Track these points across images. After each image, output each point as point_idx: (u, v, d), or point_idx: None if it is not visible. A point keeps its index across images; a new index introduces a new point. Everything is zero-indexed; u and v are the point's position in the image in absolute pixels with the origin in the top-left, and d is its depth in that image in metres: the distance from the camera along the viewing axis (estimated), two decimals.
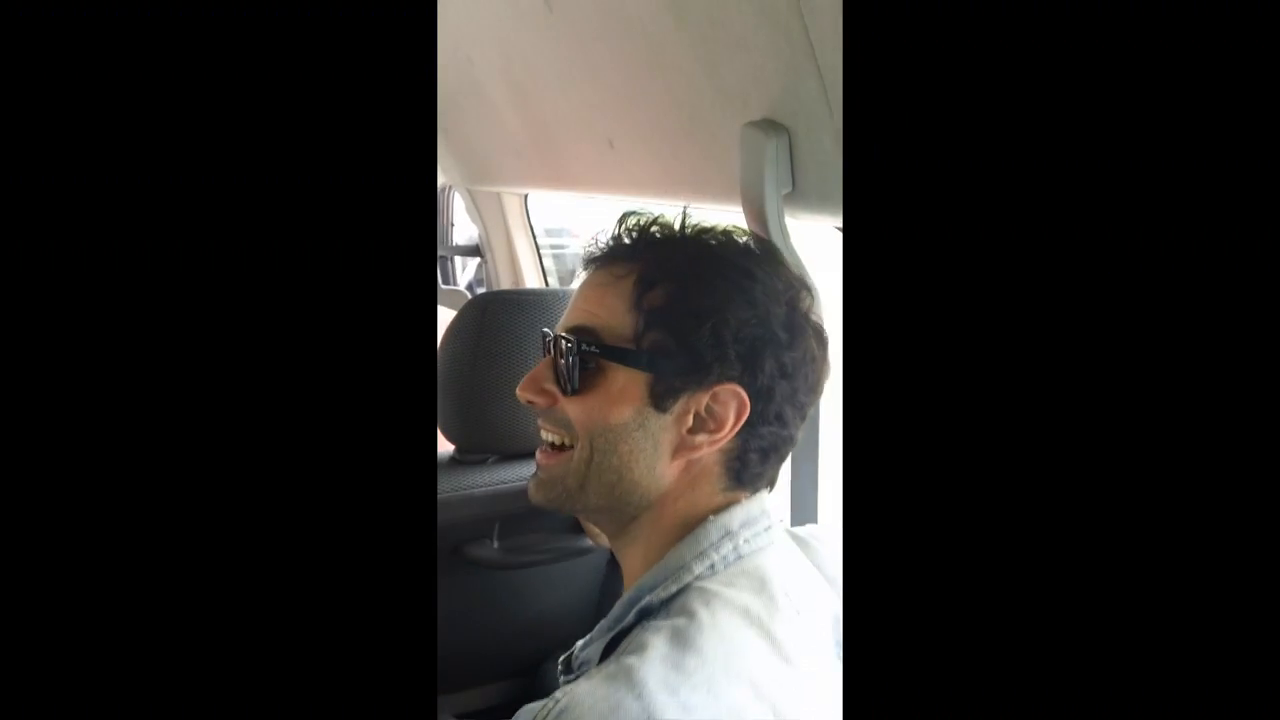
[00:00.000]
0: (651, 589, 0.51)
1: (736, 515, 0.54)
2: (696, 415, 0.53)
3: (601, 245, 0.57)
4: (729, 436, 0.53)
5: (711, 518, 0.53)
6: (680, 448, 0.53)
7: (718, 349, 0.52)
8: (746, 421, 0.53)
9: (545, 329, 0.58)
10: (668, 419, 0.53)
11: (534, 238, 1.60)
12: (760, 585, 0.50)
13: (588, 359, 0.54)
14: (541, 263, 1.61)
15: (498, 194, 1.54)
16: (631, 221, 0.57)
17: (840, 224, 0.75)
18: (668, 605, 0.50)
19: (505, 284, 1.62)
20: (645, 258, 0.55)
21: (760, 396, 0.53)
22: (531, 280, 1.61)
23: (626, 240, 0.57)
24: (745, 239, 0.57)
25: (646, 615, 0.51)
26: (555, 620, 1.05)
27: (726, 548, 0.52)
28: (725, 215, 0.89)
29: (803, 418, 0.56)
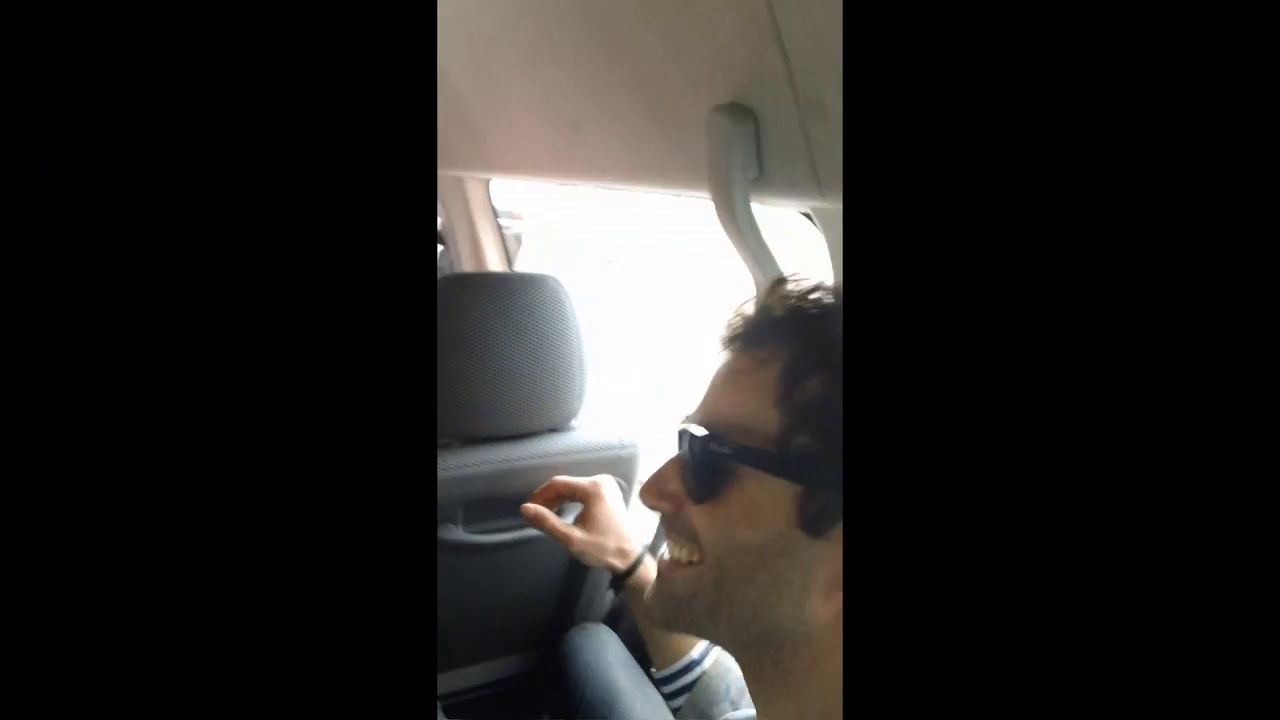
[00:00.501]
0: None
1: None
2: None
3: (742, 320, 0.46)
4: None
5: None
6: (838, 585, 0.42)
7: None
8: None
9: (683, 424, 0.48)
10: (823, 546, 0.42)
11: (498, 224, 1.59)
12: None
13: (719, 461, 0.43)
14: (506, 249, 1.60)
15: (460, 179, 1.52)
16: (784, 290, 0.45)
17: (807, 209, 0.76)
18: None
19: (469, 270, 1.61)
20: (797, 338, 0.43)
21: None
22: (495, 268, 1.60)
23: (777, 314, 0.45)
24: None
25: None
26: (526, 602, 1.05)
27: None
28: (693, 202, 0.89)
29: None
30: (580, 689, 0.95)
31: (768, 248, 0.72)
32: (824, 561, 0.42)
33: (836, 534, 0.41)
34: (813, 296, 0.45)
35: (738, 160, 0.64)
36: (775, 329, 0.45)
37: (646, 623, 0.79)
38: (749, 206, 0.67)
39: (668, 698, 0.75)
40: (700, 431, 0.44)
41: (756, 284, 0.77)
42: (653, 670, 0.77)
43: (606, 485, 0.79)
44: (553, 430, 0.98)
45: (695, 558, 0.45)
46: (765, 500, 0.42)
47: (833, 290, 0.45)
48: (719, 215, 0.70)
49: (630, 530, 0.77)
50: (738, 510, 0.43)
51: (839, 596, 0.42)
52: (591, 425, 1.01)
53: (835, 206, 0.67)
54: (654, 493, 0.48)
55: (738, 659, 0.48)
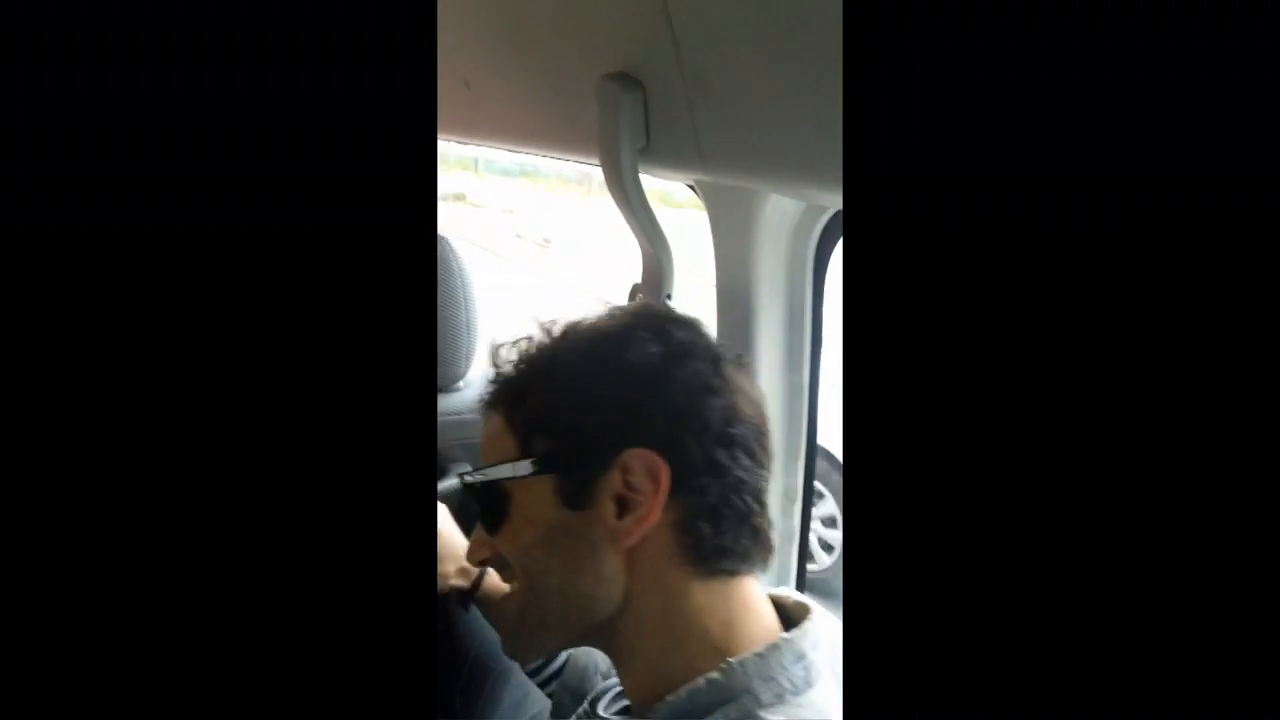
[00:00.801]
0: (708, 710, 0.45)
1: (809, 637, 0.48)
2: (618, 499, 0.48)
3: (486, 390, 0.55)
4: (660, 506, 0.47)
5: (786, 639, 0.48)
6: (617, 539, 0.48)
7: (592, 417, 0.48)
8: (674, 482, 0.47)
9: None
10: (592, 515, 0.48)
11: None
12: None
13: (487, 490, 0.52)
14: None
15: None
16: (502, 354, 0.54)
17: (691, 182, 0.79)
18: None
19: None
20: (514, 378, 0.53)
21: (671, 449, 0.47)
22: None
23: (502, 370, 0.54)
24: (617, 310, 0.54)
25: None
26: None
27: (798, 675, 0.47)
28: (583, 167, 0.90)
29: (752, 455, 0.50)
30: (466, 645, 0.96)
31: (654, 216, 0.75)
32: (597, 524, 0.49)
33: (595, 499, 0.49)
34: (528, 345, 0.54)
35: (626, 128, 0.66)
36: (501, 382, 0.54)
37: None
38: (637, 175, 0.69)
39: (541, 685, 0.78)
40: (464, 473, 0.53)
41: (643, 251, 0.79)
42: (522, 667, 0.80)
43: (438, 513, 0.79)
44: (438, 390, 0.98)
45: (513, 581, 0.53)
46: (532, 500, 0.51)
47: (545, 328, 0.54)
48: (608, 182, 0.71)
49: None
50: (519, 519, 0.51)
51: (625, 538, 0.48)
52: (480, 386, 1.02)
53: (717, 180, 0.70)
54: (473, 553, 0.56)
55: (592, 646, 0.55)
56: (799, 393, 0.82)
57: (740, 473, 0.49)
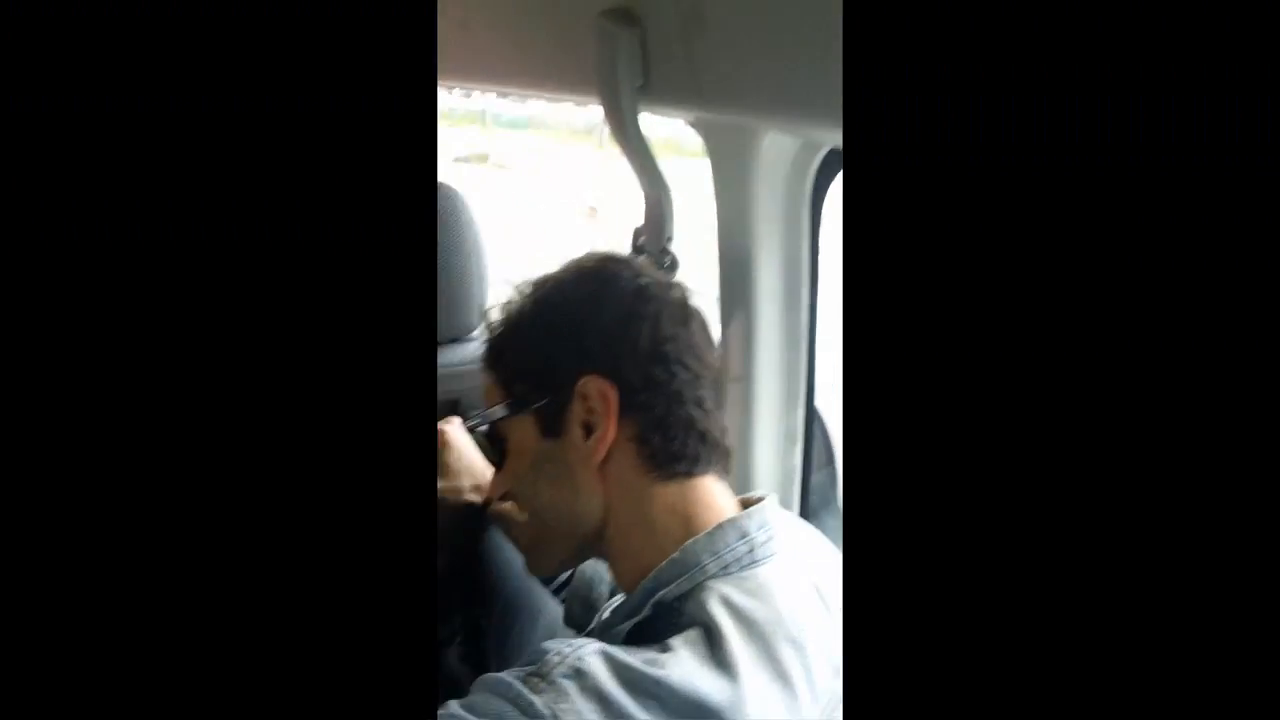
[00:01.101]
0: (667, 584, 0.52)
1: (755, 518, 0.55)
2: (584, 424, 0.56)
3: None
4: (614, 424, 0.55)
5: (730, 519, 0.54)
6: (589, 459, 0.56)
7: (544, 355, 0.57)
8: (621, 402, 0.55)
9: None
10: (565, 441, 0.57)
11: None
12: (768, 596, 0.51)
13: (488, 434, 0.62)
14: None
15: None
16: (489, 317, 0.62)
17: (691, 120, 0.78)
18: (683, 601, 0.51)
19: None
20: (493, 341, 0.62)
21: (614, 373, 0.55)
22: None
23: (490, 332, 0.62)
24: (571, 262, 0.62)
25: (660, 609, 0.52)
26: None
27: (742, 550, 0.53)
28: (591, 118, 0.89)
29: (687, 367, 0.57)
30: (499, 587, 1.00)
31: (654, 158, 0.75)
32: (571, 451, 0.57)
33: (566, 427, 0.57)
34: (507, 306, 0.61)
35: (624, 66, 0.65)
36: (488, 343, 0.63)
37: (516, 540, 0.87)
38: (636, 114, 0.69)
39: (554, 593, 0.85)
40: (466, 419, 0.63)
41: (645, 194, 0.79)
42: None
43: (452, 430, 0.82)
44: (454, 340, 0.99)
45: (520, 513, 0.62)
46: (521, 436, 0.59)
47: (518, 289, 0.61)
48: (608, 122, 0.71)
49: (482, 462, 0.81)
50: (513, 454, 0.60)
51: (593, 456, 0.56)
52: None
53: (715, 117, 0.70)
54: (493, 488, 0.68)
55: (593, 555, 0.64)
56: (798, 334, 0.83)
57: (679, 386, 0.56)
